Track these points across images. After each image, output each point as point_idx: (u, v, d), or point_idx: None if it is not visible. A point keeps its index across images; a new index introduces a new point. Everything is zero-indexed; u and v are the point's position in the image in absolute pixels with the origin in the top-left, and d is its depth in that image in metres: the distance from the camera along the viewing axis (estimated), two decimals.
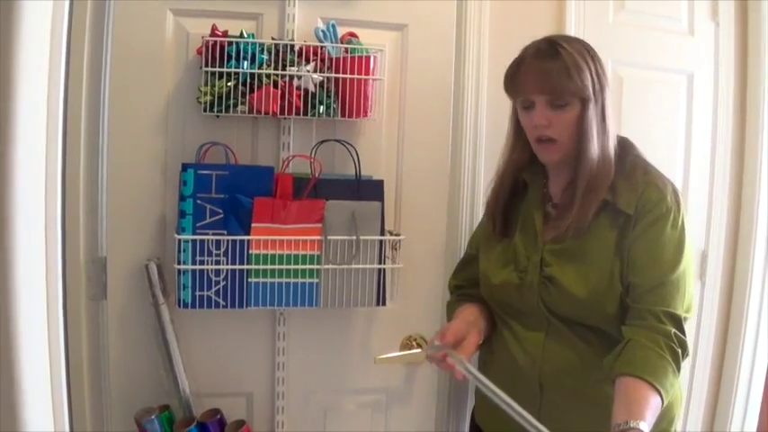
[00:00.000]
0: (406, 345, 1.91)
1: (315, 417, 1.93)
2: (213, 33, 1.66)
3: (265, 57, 1.68)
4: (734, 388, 2.33)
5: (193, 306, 1.68)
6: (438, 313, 1.91)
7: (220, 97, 1.66)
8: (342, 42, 1.75)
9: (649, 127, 2.10)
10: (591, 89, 1.45)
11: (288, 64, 1.69)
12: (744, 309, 2.30)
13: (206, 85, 1.66)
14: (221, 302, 1.69)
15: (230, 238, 1.68)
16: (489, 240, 1.66)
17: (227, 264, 1.68)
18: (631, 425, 1.23)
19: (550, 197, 1.60)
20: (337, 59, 1.73)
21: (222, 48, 1.65)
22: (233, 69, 1.65)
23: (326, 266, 1.73)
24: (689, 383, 2.29)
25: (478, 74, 1.93)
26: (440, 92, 1.90)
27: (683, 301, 1.42)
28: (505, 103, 1.60)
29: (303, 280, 1.72)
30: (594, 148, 1.46)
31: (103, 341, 1.76)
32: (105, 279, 1.74)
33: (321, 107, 1.72)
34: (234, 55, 1.65)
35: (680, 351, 1.37)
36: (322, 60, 1.72)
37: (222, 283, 1.69)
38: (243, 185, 1.70)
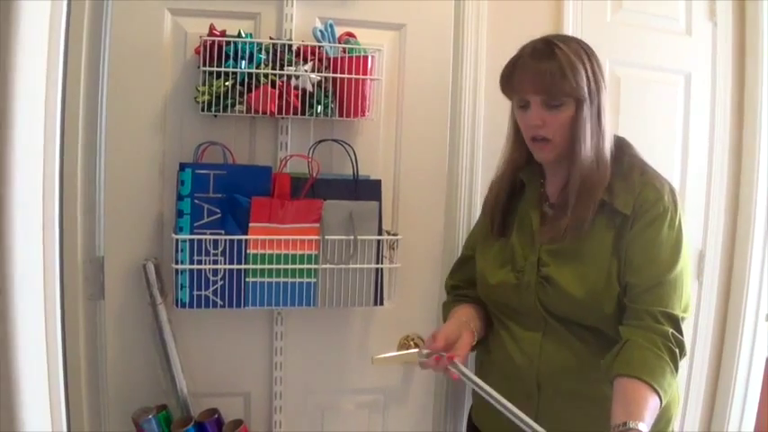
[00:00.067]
0: (403, 344, 1.92)
1: (312, 416, 1.93)
2: (211, 33, 1.66)
3: (263, 56, 1.68)
4: (731, 388, 2.34)
5: (191, 306, 1.68)
6: (435, 313, 1.91)
7: (218, 97, 1.66)
8: (340, 42, 1.75)
9: (647, 127, 2.11)
10: (586, 90, 1.44)
11: (286, 64, 1.69)
12: (741, 308, 2.30)
13: (204, 84, 1.66)
14: (219, 302, 1.69)
15: (228, 237, 1.67)
16: (486, 240, 1.66)
17: (225, 263, 1.68)
18: (630, 425, 1.23)
19: (547, 197, 1.60)
20: (335, 59, 1.73)
21: (220, 47, 1.65)
22: (231, 69, 1.65)
23: (324, 266, 1.73)
24: (686, 383, 2.29)
25: (476, 74, 1.93)
26: (437, 92, 1.90)
27: (680, 301, 1.42)
28: (503, 103, 1.60)
29: (301, 280, 1.72)
30: (588, 148, 1.46)
31: (101, 341, 1.76)
32: (103, 279, 1.74)
33: (319, 107, 1.72)
34: (232, 54, 1.65)
35: (677, 351, 1.37)
36: (320, 60, 1.72)
37: (220, 283, 1.69)
38: (240, 185, 1.70)
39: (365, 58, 1.73)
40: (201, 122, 1.73)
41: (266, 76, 1.67)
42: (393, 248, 1.80)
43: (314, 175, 1.74)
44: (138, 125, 1.72)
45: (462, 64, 1.92)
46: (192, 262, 1.66)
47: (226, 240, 1.67)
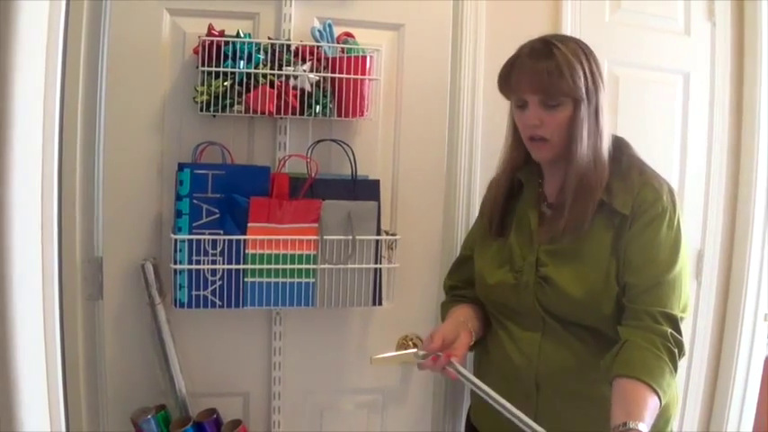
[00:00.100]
0: (402, 344, 1.92)
1: (311, 417, 1.93)
2: (210, 33, 1.66)
3: (262, 56, 1.68)
4: (730, 388, 2.34)
5: (189, 306, 1.68)
6: (434, 313, 1.91)
7: (217, 97, 1.66)
8: (338, 42, 1.75)
9: (645, 127, 2.11)
10: (584, 89, 1.44)
11: (284, 64, 1.69)
12: (740, 308, 2.31)
13: (202, 84, 1.66)
14: (217, 302, 1.69)
15: (226, 237, 1.67)
16: (484, 240, 1.66)
17: (224, 263, 1.68)
18: (630, 426, 1.23)
19: (545, 197, 1.60)
20: (334, 59, 1.73)
21: (219, 47, 1.65)
22: (229, 69, 1.65)
23: (323, 266, 1.73)
24: (685, 383, 2.29)
25: (475, 73, 1.93)
26: (436, 92, 1.90)
27: (679, 301, 1.42)
28: (501, 103, 1.60)
29: (299, 280, 1.72)
30: (585, 148, 1.46)
31: (100, 341, 1.76)
32: (101, 279, 1.74)
33: (317, 107, 1.72)
34: (230, 54, 1.65)
35: (676, 351, 1.37)
36: (318, 60, 1.72)
37: (218, 283, 1.68)
38: (239, 185, 1.70)
39: (364, 58, 1.73)
40: (200, 122, 1.73)
41: (265, 76, 1.67)
42: (392, 248, 1.80)
43: (312, 175, 1.74)
44: (137, 125, 1.72)
45: (461, 64, 1.92)
46: (190, 262, 1.66)
47: (224, 240, 1.67)
